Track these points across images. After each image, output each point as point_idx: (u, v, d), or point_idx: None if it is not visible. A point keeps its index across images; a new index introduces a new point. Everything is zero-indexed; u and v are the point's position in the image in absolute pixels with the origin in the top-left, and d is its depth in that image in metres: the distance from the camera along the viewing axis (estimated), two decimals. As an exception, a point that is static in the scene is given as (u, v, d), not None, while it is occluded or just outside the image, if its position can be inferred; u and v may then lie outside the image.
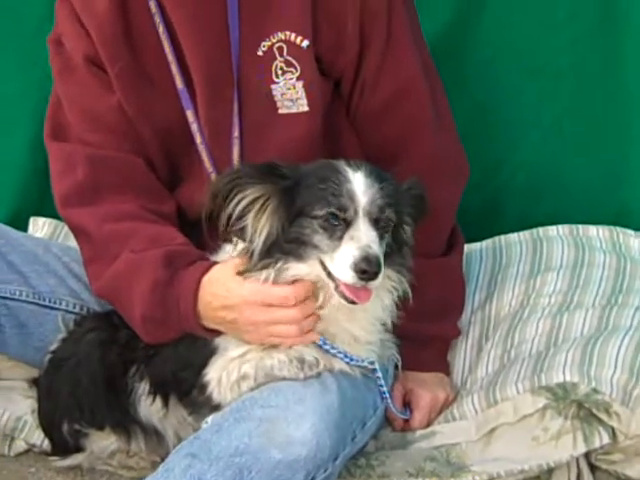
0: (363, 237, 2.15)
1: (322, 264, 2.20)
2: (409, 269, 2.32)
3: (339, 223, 2.17)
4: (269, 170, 2.23)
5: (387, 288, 2.31)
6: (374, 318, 2.33)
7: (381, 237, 2.20)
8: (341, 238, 2.16)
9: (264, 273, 2.22)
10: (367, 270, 2.12)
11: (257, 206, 2.21)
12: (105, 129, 2.56)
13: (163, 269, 2.35)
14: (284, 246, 2.21)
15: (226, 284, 2.27)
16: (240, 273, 2.25)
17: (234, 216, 2.22)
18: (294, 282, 2.23)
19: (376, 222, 2.19)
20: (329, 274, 2.20)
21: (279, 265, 2.21)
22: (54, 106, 2.65)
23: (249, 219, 2.21)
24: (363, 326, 2.32)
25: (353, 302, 2.18)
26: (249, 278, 2.24)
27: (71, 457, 2.60)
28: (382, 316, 2.35)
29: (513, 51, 3.15)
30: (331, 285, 2.20)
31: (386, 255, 2.21)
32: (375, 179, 2.20)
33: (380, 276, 2.14)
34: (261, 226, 2.21)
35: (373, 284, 2.15)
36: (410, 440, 2.59)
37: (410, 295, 2.33)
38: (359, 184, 2.18)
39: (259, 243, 2.21)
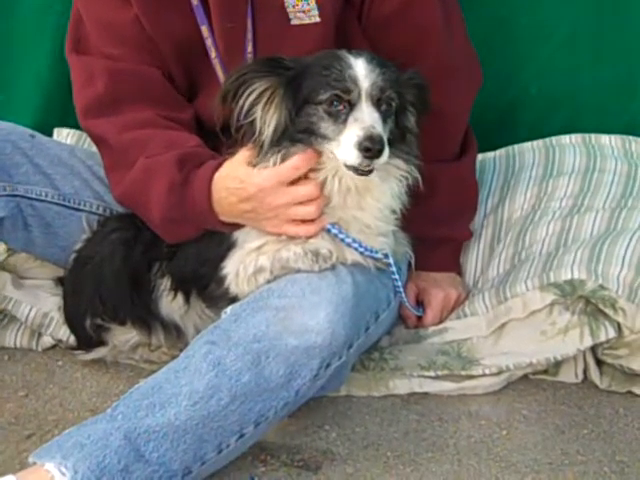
0: (366, 118, 2.21)
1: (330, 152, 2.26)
2: (416, 157, 2.37)
3: (343, 106, 2.22)
4: (273, 63, 2.29)
5: (396, 177, 2.36)
6: (384, 206, 2.37)
7: (384, 120, 2.25)
8: (345, 121, 2.22)
9: (272, 159, 2.28)
10: (371, 148, 2.17)
11: (265, 98, 2.27)
12: (124, 42, 2.60)
13: (177, 171, 2.40)
14: (294, 135, 2.27)
15: (238, 176, 2.33)
16: (250, 164, 2.31)
17: (243, 111, 2.27)
18: None
19: (378, 104, 2.24)
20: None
21: (286, 150, 2.27)
22: (75, 20, 2.69)
23: (257, 111, 2.27)
24: (374, 214, 2.36)
25: (362, 173, 2.22)
26: (259, 166, 2.30)
27: (95, 351, 2.68)
28: (392, 204, 2.39)
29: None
30: (341, 165, 2.24)
31: (391, 143, 2.26)
32: (376, 65, 2.26)
33: (384, 154, 2.19)
34: (269, 117, 2.27)
35: (378, 162, 2.20)
36: (423, 336, 2.66)
37: (420, 182, 2.37)
38: (361, 69, 2.24)
39: (268, 133, 2.27)
